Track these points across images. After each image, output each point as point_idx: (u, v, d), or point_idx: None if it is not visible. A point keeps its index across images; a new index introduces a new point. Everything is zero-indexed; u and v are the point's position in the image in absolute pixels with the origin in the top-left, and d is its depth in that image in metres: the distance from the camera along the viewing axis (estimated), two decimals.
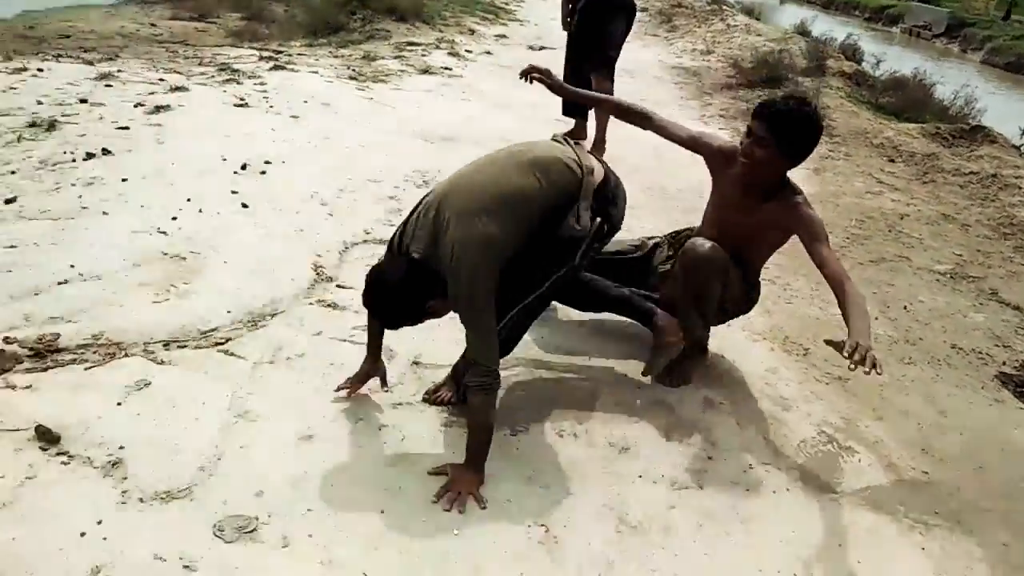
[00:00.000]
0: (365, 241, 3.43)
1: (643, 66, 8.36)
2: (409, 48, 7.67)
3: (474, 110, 5.77)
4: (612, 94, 4.44)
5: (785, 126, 2.36)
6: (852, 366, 1.94)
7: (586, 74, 4.79)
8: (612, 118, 4.50)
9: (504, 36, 9.18)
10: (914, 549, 2.10)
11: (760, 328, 3.13)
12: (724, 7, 12.32)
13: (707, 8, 11.96)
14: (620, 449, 2.31)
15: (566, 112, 5.26)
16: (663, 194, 4.61)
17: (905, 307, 3.51)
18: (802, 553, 2.02)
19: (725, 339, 2.95)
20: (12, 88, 4.64)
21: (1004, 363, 3.15)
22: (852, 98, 7.28)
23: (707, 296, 2.54)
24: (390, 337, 2.37)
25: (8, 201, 3.22)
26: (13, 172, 3.53)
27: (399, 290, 2.02)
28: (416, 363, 2.58)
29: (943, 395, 2.87)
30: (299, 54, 6.82)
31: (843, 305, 2.19)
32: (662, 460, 2.29)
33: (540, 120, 5.70)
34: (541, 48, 8.75)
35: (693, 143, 2.74)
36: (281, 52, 6.75)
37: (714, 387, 2.69)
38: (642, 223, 4.13)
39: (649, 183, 4.72)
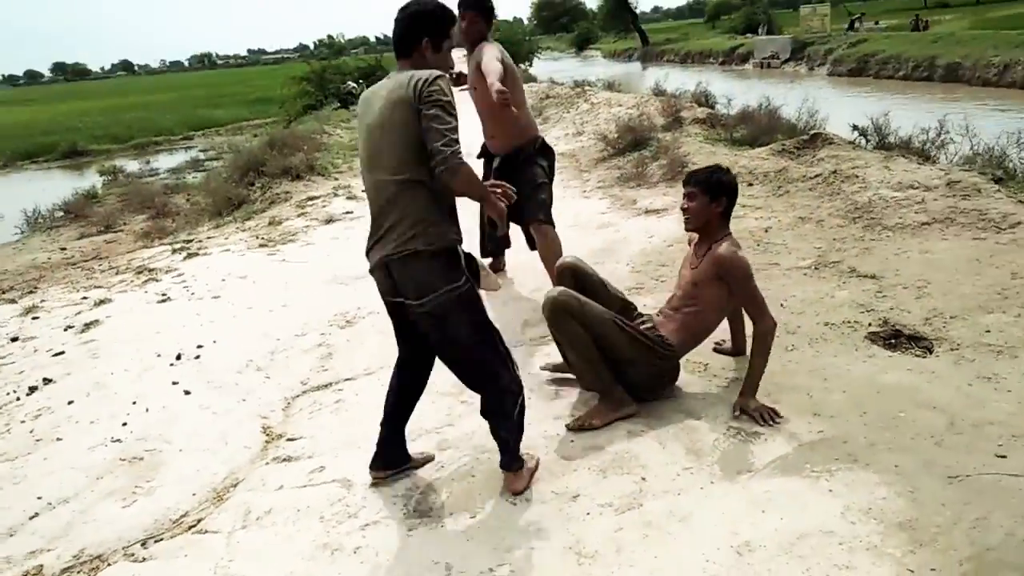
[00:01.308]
0: (304, 392, 3.75)
1: None
2: (310, 203, 8.17)
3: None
4: (556, 239, 4.41)
5: (702, 177, 3.12)
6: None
7: (524, 226, 4.55)
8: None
9: None
10: (823, 494, 2.49)
11: None
12: (586, 88, 13.36)
13: (572, 94, 12.95)
14: (568, 497, 2.64)
15: (485, 253, 5.06)
16: None
17: (781, 304, 3.98)
18: (735, 528, 2.37)
19: None
20: None
21: (870, 324, 3.64)
22: (710, 139, 8.06)
23: (571, 340, 3.02)
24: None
25: None
26: None
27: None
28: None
29: (824, 366, 3.33)
30: (208, 237, 7.23)
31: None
32: (604, 494, 2.63)
33: None
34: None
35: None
36: (191, 240, 7.15)
37: (633, 419, 3.07)
38: None
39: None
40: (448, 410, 3.37)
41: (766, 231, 5.15)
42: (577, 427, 3.08)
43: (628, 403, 3.12)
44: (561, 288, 3.07)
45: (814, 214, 5.35)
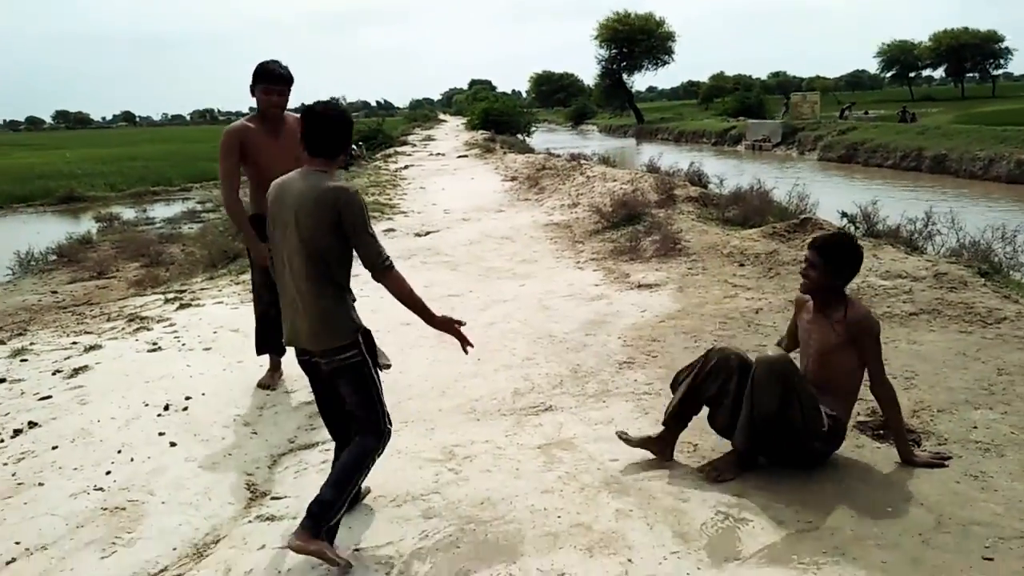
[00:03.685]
0: (291, 450, 3.73)
1: (519, 229, 9.20)
2: None
3: (371, 303, 6.25)
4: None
5: (827, 247, 3.17)
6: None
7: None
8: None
9: (392, 230, 9.93)
10: None
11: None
12: (583, 162, 13.69)
13: (568, 166, 13.26)
14: (554, 575, 2.61)
15: (262, 350, 4.58)
16: (552, 340, 5.11)
17: None
18: None
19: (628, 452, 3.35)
20: None
21: (859, 413, 3.66)
22: (702, 218, 8.25)
23: (767, 400, 3.01)
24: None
25: None
26: None
27: None
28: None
29: None
30: (202, 288, 7.25)
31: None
32: (589, 574, 2.60)
33: (434, 298, 6.23)
34: (427, 233, 9.50)
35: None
36: (184, 290, 7.16)
37: (622, 498, 3.05)
38: (540, 369, 4.60)
39: (539, 333, 5.24)
40: (435, 477, 3.35)
41: (756, 312, 5.23)
42: (712, 478, 3.14)
43: (743, 468, 3.20)
44: (781, 352, 3.17)
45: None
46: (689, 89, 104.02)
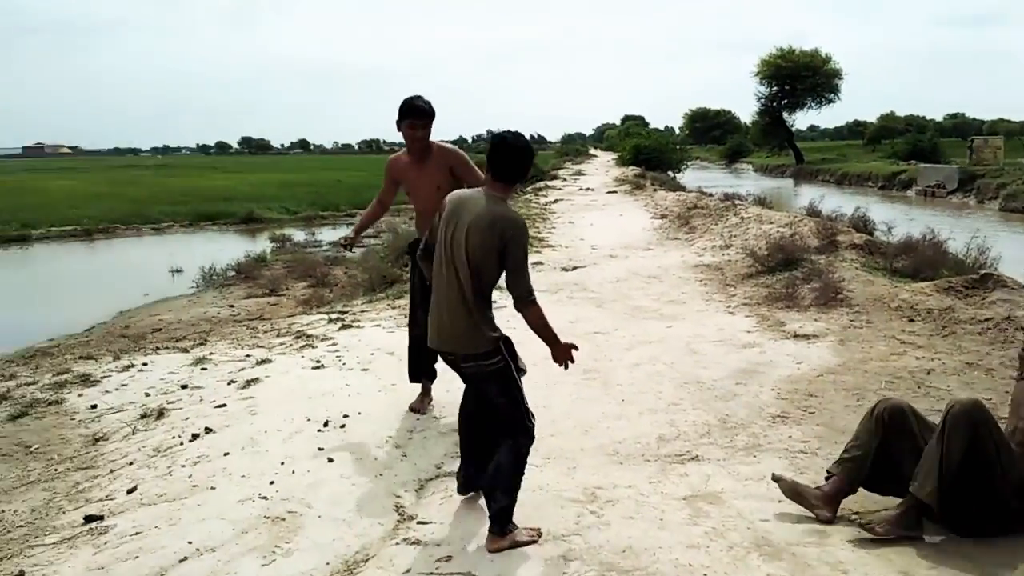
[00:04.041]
0: (438, 476, 3.84)
1: (668, 269, 9.07)
2: None
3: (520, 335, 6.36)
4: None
5: None
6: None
7: None
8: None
9: (540, 263, 10.08)
10: None
11: None
12: (737, 203, 13.32)
13: (721, 206, 12.94)
14: None
15: (415, 377, 4.72)
16: (700, 386, 4.97)
17: None
18: None
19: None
20: (124, 385, 5.39)
21: None
22: (867, 267, 7.76)
23: (958, 450, 2.83)
24: None
25: (130, 491, 3.72)
26: (131, 463, 4.08)
27: None
28: None
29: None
30: (362, 311, 7.66)
31: None
32: None
33: (578, 335, 6.26)
34: (574, 268, 9.57)
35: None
36: (346, 312, 7.60)
37: (774, 563, 2.89)
38: (687, 416, 4.49)
39: (686, 378, 5.11)
40: (577, 518, 3.33)
41: (928, 373, 4.85)
42: (876, 532, 2.98)
43: (920, 530, 3.01)
44: (975, 399, 3.01)
45: (984, 361, 4.99)
46: (854, 129, 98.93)
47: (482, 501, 3.29)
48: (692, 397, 4.80)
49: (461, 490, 3.49)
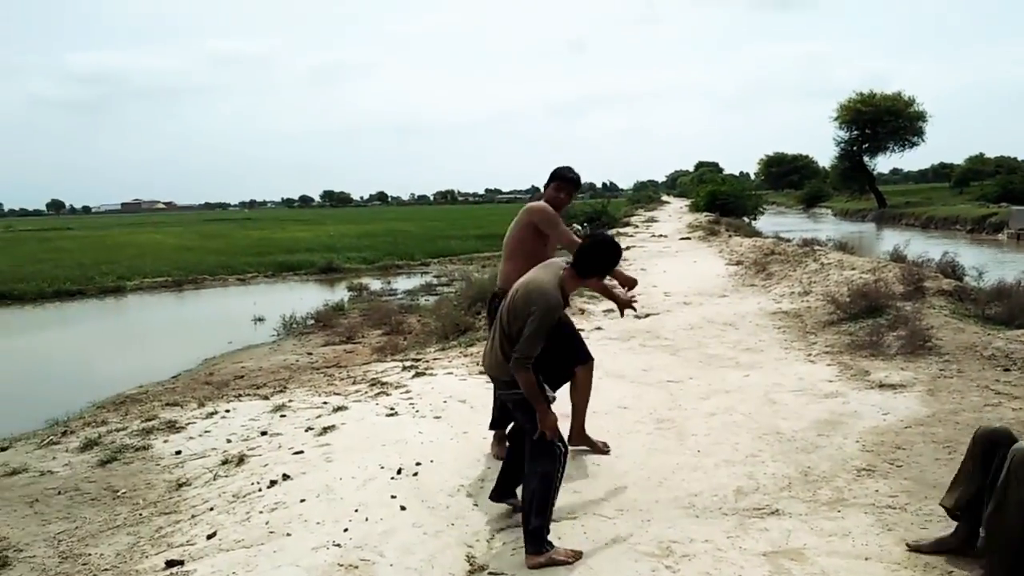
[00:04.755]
0: (509, 526, 3.81)
1: (744, 316, 8.86)
2: None
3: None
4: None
5: None
6: None
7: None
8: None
9: (611, 310, 10.01)
10: None
11: None
12: (816, 248, 12.98)
13: (799, 251, 12.63)
14: None
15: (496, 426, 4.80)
16: (779, 437, 4.80)
17: None
18: None
19: None
20: (207, 431, 5.58)
21: None
22: (956, 314, 7.40)
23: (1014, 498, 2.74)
24: None
25: (210, 536, 3.81)
26: (211, 508, 4.19)
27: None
28: None
29: None
30: (435, 358, 7.76)
31: None
32: None
33: (652, 383, 6.17)
34: (647, 316, 9.46)
35: None
36: (419, 360, 7.71)
37: None
38: (766, 468, 4.33)
39: (764, 429, 4.95)
40: (652, 573, 3.24)
41: None
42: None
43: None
44: None
45: None
46: (940, 171, 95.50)
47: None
48: (771, 448, 4.64)
49: (491, 496, 3.90)
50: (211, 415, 5.99)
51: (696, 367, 6.75)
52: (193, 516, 4.11)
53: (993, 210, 34.37)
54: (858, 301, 7.83)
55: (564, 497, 3.98)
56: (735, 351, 7.28)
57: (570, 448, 4.52)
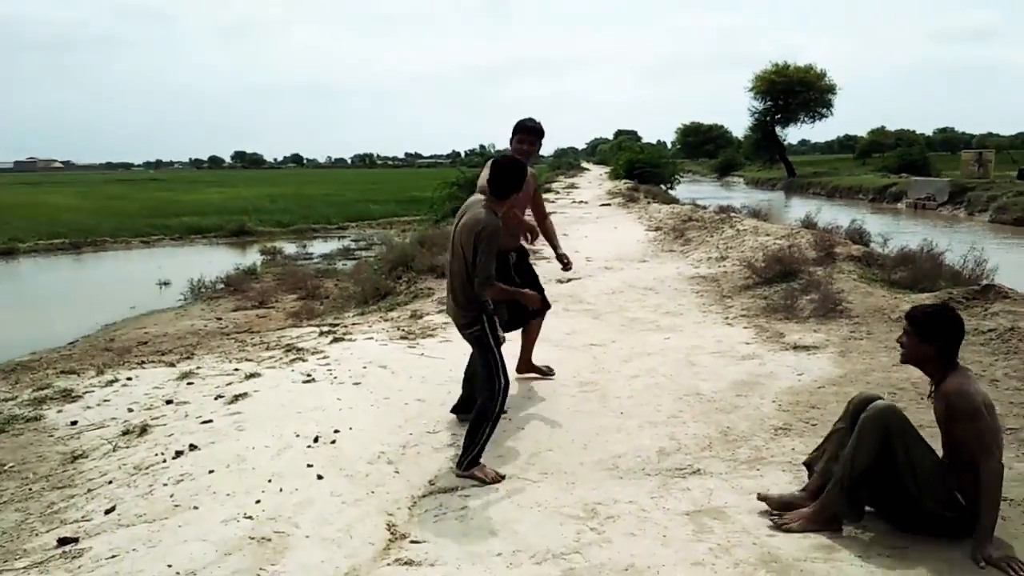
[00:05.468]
0: (431, 493, 3.70)
1: (664, 280, 8.96)
2: None
3: (515, 347, 6.24)
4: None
5: (916, 315, 3.17)
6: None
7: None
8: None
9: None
10: None
11: None
12: (732, 215, 13.24)
13: (716, 218, 12.86)
14: None
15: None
16: (700, 398, 4.85)
17: None
18: None
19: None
20: (106, 400, 5.22)
21: None
22: (865, 279, 7.67)
23: (867, 454, 2.97)
24: None
25: (108, 511, 3.53)
26: (110, 482, 3.89)
27: None
28: None
29: None
30: (353, 323, 7.52)
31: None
32: None
33: (575, 347, 6.15)
34: (568, 280, 9.44)
35: None
36: (337, 324, 7.46)
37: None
38: (687, 428, 4.37)
39: (685, 391, 4.99)
40: (576, 535, 3.20)
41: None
42: (780, 526, 3.13)
43: (837, 526, 3.10)
44: (891, 403, 3.14)
45: (987, 372, 4.89)
46: (845, 143, 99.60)
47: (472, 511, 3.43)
48: (692, 409, 4.68)
49: (451, 409, 4.62)
50: (111, 383, 5.62)
51: (618, 331, 6.77)
52: (89, 490, 3.82)
53: (894, 180, 36.09)
54: (773, 266, 8.01)
55: (488, 461, 3.92)
56: (656, 315, 7.34)
57: (519, 376, 5.26)
